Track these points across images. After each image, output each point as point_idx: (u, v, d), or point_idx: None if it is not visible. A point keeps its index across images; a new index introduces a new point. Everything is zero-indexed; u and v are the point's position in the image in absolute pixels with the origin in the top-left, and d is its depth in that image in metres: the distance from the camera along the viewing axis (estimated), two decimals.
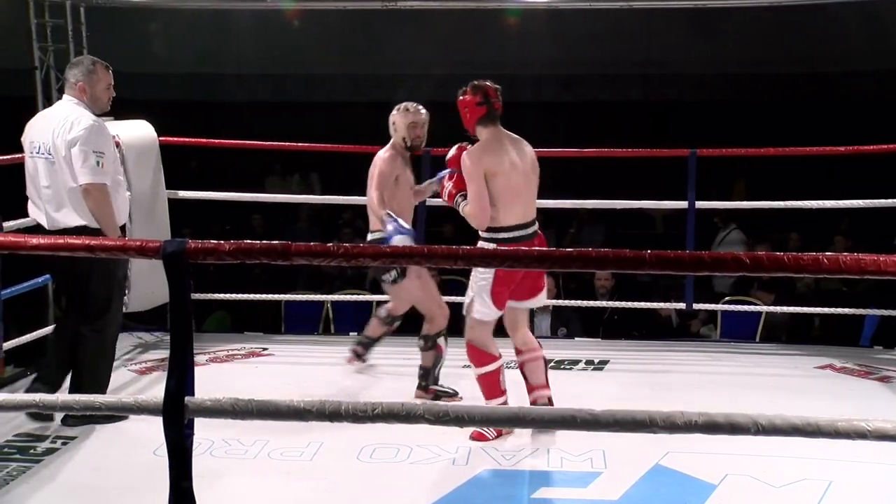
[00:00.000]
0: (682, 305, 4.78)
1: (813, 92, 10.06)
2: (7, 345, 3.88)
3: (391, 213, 3.52)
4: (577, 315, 5.34)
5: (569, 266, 1.94)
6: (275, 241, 1.93)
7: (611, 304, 5.03)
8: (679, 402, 1.93)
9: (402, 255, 2.01)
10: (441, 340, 3.70)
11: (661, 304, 5.14)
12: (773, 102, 10.10)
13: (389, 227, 3.49)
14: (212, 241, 1.91)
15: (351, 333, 4.75)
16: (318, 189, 9.37)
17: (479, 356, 3.27)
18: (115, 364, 4.20)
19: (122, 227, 3.38)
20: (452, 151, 3.31)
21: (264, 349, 4.51)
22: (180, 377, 1.89)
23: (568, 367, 4.19)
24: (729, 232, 6.89)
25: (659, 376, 4.15)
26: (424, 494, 2.80)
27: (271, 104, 10.54)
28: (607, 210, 6.53)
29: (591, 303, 5.08)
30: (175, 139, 4.83)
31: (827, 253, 1.77)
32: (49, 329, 4.01)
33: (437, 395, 3.67)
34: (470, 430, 3.13)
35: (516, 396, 3.34)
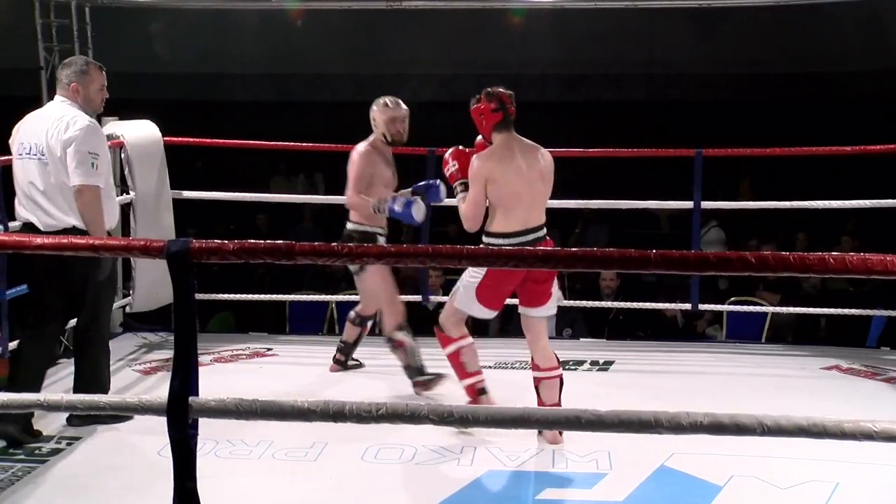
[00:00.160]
0: (687, 306, 4.77)
1: (816, 91, 10.05)
2: (11, 345, 3.88)
3: (382, 199, 3.63)
4: (583, 315, 5.33)
5: (574, 266, 1.94)
6: (279, 241, 1.93)
7: (616, 304, 5.02)
8: (684, 403, 1.92)
9: (407, 254, 2.00)
10: (403, 335, 3.72)
11: (667, 305, 5.12)
12: (777, 102, 10.09)
13: (397, 207, 3.59)
14: (216, 240, 1.91)
15: None
16: (322, 189, 9.37)
17: (441, 339, 3.38)
18: (119, 364, 4.24)
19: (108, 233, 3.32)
20: (450, 151, 3.34)
21: (269, 349, 4.51)
22: (184, 377, 1.88)
23: (573, 367, 4.18)
24: (708, 230, 6.88)
25: (664, 377, 4.14)
26: (429, 495, 2.79)
27: (275, 104, 10.56)
28: (612, 210, 6.52)
29: (597, 303, 5.07)
30: (179, 139, 4.83)
31: (833, 253, 1.76)
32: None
33: (427, 384, 3.68)
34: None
35: (516, 399, 3.33)
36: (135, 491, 2.82)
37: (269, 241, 1.92)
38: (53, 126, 3.16)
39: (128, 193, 4.52)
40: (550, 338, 4.87)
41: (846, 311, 4.72)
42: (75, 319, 3.37)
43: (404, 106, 3.81)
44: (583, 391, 3.67)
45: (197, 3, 6.04)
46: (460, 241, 3.31)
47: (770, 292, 5.61)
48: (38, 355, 3.26)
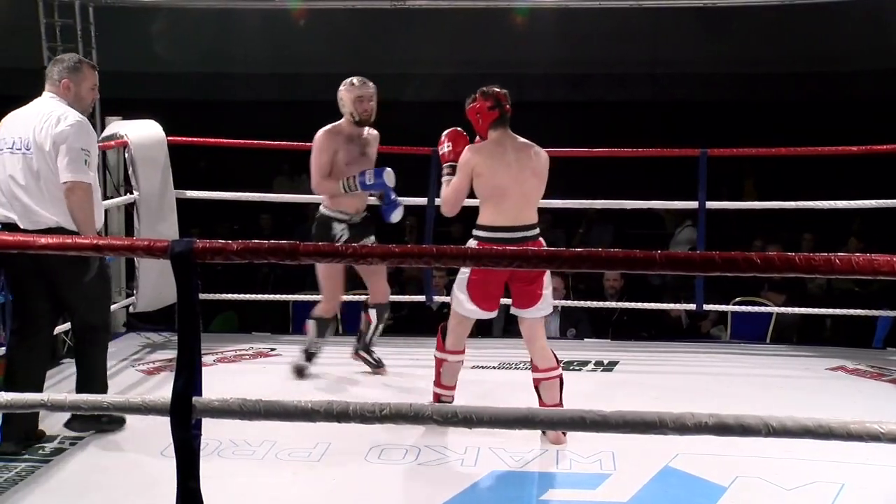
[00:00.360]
0: (692, 306, 4.76)
1: (820, 91, 10.03)
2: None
3: (350, 177, 3.72)
4: (587, 316, 5.32)
5: (579, 266, 1.93)
6: (283, 241, 1.92)
7: (620, 304, 5.01)
8: (689, 404, 1.91)
9: (412, 255, 1.99)
10: (315, 325, 3.97)
11: (671, 305, 5.11)
12: (781, 102, 10.06)
13: (368, 180, 3.70)
14: (220, 240, 1.90)
15: None
16: None
17: (438, 341, 3.43)
18: (123, 364, 4.24)
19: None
20: (447, 131, 3.37)
21: (272, 349, 4.51)
22: (188, 377, 1.88)
23: (577, 367, 4.17)
24: (682, 229, 6.87)
25: (669, 377, 4.13)
26: (432, 496, 2.78)
27: (278, 104, 10.55)
28: (616, 210, 6.50)
29: (601, 303, 5.06)
30: (183, 139, 4.83)
31: (839, 253, 1.75)
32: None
33: (301, 371, 3.97)
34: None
35: (519, 399, 3.32)
36: (138, 491, 2.82)
37: (272, 242, 1.92)
38: (42, 121, 3.03)
39: (131, 193, 4.53)
40: (554, 338, 4.90)
41: (852, 311, 4.70)
42: (69, 322, 3.32)
43: (371, 84, 3.82)
44: (587, 391, 3.67)
45: (201, 2, 6.04)
46: (464, 241, 3.31)
47: (775, 292, 5.59)
48: (31, 361, 3.16)
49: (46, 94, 3.15)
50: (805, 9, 5.95)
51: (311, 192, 3.98)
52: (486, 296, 3.26)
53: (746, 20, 9.08)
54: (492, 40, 9.71)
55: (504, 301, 3.38)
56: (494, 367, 4.14)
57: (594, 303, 5.05)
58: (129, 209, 4.64)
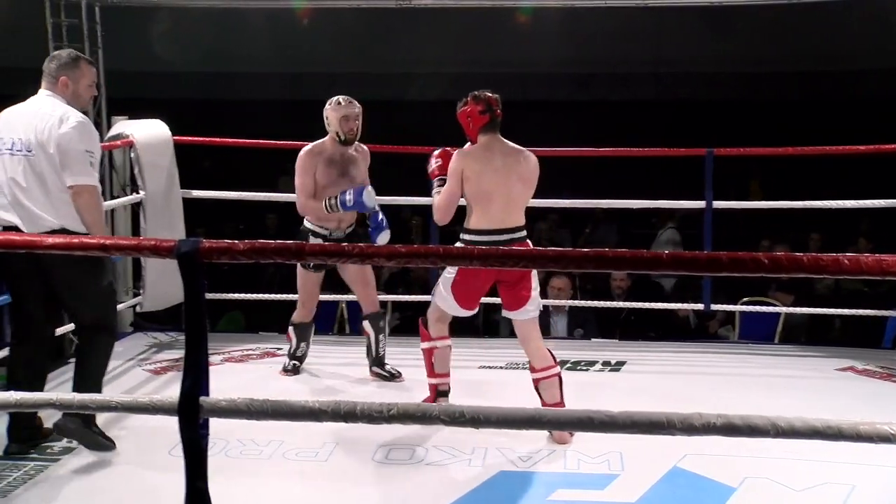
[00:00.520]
0: (699, 306, 4.74)
1: (825, 90, 10.00)
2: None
3: (331, 196, 3.74)
4: (594, 316, 5.31)
5: (585, 266, 1.92)
6: (289, 241, 1.92)
7: (627, 304, 5.00)
8: (697, 404, 1.90)
9: (418, 255, 1.98)
10: (291, 330, 4.05)
11: (679, 305, 5.10)
12: (785, 101, 10.04)
13: (349, 199, 3.70)
14: (226, 240, 1.90)
15: None
16: None
17: (422, 333, 3.46)
18: (129, 364, 4.24)
19: None
20: (436, 151, 3.41)
21: (279, 349, 4.50)
22: (195, 377, 1.88)
23: (584, 368, 4.17)
24: (664, 230, 6.85)
25: (676, 377, 4.12)
26: (440, 496, 2.78)
27: (284, 103, 10.56)
28: (619, 210, 6.49)
29: (608, 303, 5.05)
30: (189, 138, 4.83)
31: (847, 253, 1.74)
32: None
33: (291, 372, 4.04)
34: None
35: (526, 400, 3.32)
36: (146, 490, 2.82)
37: (279, 241, 1.91)
38: (43, 121, 2.95)
39: (137, 193, 4.53)
40: (562, 338, 4.89)
41: (860, 311, 4.68)
42: (73, 323, 3.31)
43: (357, 104, 3.84)
44: (594, 392, 3.66)
45: (206, 2, 6.04)
46: None
47: (783, 292, 5.57)
48: (32, 362, 3.14)
49: (43, 92, 3.07)
50: (810, 8, 5.92)
51: None
52: (469, 297, 3.31)
53: (750, 19, 9.06)
54: (496, 40, 9.71)
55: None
56: (502, 367, 4.14)
57: (601, 303, 5.04)
58: (136, 209, 4.64)
